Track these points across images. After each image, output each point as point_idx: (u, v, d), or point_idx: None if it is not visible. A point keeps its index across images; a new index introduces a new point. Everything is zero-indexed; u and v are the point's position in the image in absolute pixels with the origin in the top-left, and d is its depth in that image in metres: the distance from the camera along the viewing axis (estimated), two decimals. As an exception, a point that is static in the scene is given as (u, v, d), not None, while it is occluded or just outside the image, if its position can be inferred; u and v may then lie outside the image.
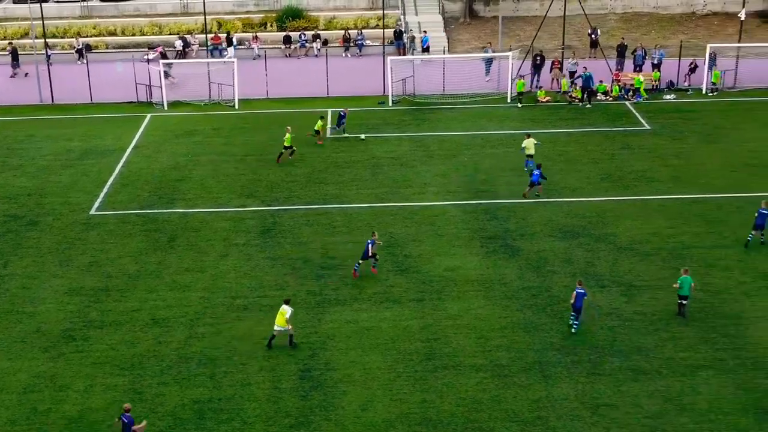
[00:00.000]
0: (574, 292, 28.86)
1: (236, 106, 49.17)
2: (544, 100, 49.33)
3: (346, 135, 44.44)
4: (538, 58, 51.39)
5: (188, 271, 32.50)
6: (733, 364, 26.80)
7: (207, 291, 31.25)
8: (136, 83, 50.08)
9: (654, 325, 28.82)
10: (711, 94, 49.34)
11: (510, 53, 49.89)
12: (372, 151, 42.90)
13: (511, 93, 49.23)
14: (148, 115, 48.33)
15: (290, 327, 27.98)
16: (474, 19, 61.91)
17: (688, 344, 27.82)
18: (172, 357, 27.66)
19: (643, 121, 46.30)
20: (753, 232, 33.67)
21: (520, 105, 48.46)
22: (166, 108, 49.10)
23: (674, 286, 29.51)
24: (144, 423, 23.94)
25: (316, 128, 43.85)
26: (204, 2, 55.36)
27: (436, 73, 50.82)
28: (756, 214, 33.49)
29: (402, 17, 59.78)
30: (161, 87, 49.29)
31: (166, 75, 50.41)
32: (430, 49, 56.28)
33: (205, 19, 55.91)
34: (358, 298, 30.60)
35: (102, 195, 38.81)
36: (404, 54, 56.84)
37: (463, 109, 48.36)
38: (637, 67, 52.45)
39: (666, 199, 37.38)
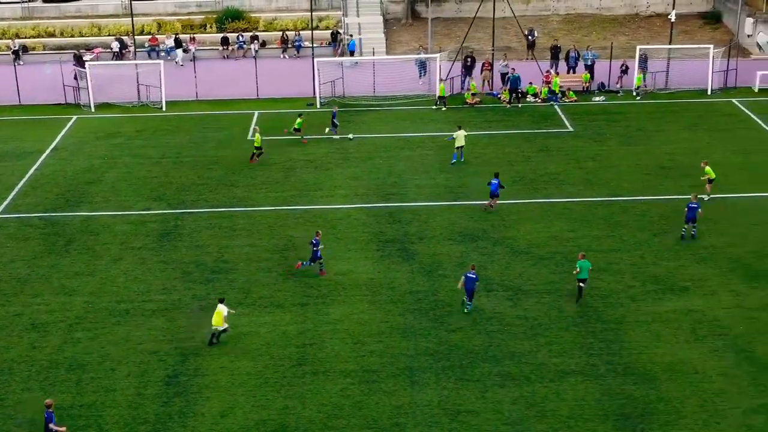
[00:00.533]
0: (463, 277, 29.33)
1: (163, 108, 48.94)
2: (473, 101, 49.17)
3: (335, 136, 44.40)
4: (469, 59, 51.22)
5: (78, 275, 32.26)
6: (604, 370, 26.61)
7: (93, 295, 31.01)
8: (63, 85, 49.87)
9: (533, 330, 28.63)
10: (637, 97, 49.21)
11: (437, 55, 49.70)
12: (290, 154, 42.68)
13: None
14: (74, 117, 48.04)
15: (227, 326, 28.10)
16: (416, 20, 61.72)
17: (562, 349, 27.65)
18: (43, 362, 27.42)
19: (567, 123, 46.12)
20: (686, 226, 33.91)
21: (444, 108, 48.28)
22: (93, 110, 48.89)
23: (574, 272, 30.12)
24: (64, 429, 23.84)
25: (296, 126, 43.70)
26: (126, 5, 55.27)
27: (366, 75, 50.67)
28: (686, 209, 33.70)
29: (343, 18, 59.68)
30: (88, 89, 49.09)
31: (79, 76, 50.35)
32: (363, 51, 56.21)
33: (133, 20, 55.60)
34: (243, 303, 30.37)
35: (9, 199, 38.57)
36: (340, 55, 56.83)
37: (389, 111, 48.14)
38: (570, 69, 52.33)
39: (572, 202, 37.15)
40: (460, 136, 41.13)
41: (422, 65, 52.14)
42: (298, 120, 43.94)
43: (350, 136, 44.30)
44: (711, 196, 36.70)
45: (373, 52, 55.61)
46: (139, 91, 49.99)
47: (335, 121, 44.51)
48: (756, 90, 50.00)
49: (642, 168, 40.41)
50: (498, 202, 36.31)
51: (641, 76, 49.50)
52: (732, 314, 29.28)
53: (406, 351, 27.66)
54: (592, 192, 37.92)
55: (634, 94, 49.30)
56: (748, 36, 56.19)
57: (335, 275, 31.96)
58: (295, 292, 30.99)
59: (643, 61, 50.41)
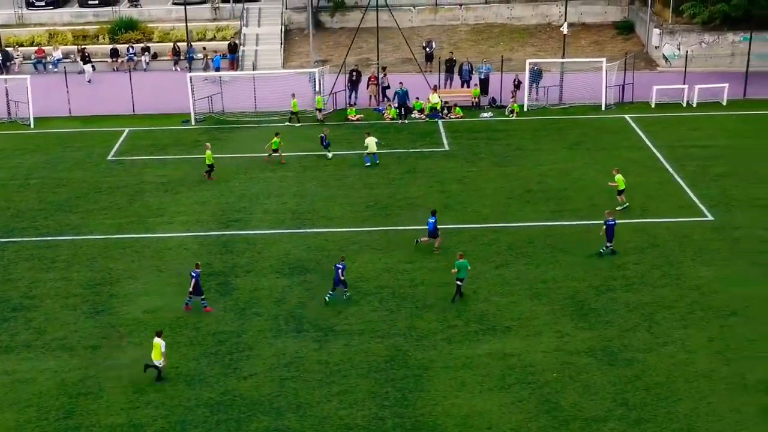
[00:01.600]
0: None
1: (32, 125, 46.81)
2: (355, 118, 47.08)
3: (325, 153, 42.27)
4: (354, 73, 49.15)
5: None
6: (390, 425, 24.49)
7: None
8: (-73, 102, 47.95)
9: (330, 377, 26.50)
10: (510, 115, 46.61)
11: (317, 69, 47.57)
12: (144, 175, 40.57)
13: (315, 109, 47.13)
14: (-64, 135, 46.18)
15: (163, 361, 26.37)
16: (320, 30, 59.63)
17: (354, 400, 25.54)
18: None
19: (445, 141, 44.02)
20: (608, 244, 32.67)
21: (297, 124, 45.91)
22: (-42, 127, 46.98)
23: (452, 271, 30.16)
24: None
25: (272, 146, 41.24)
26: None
27: (247, 90, 48.58)
28: (604, 226, 32.34)
29: (242, 29, 57.61)
30: (-48, 105, 47.12)
31: None
32: (259, 63, 54.34)
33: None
34: (32, 345, 28.23)
35: None
36: (237, 68, 54.77)
37: (266, 128, 46.10)
38: (464, 83, 50.31)
39: (422, 229, 35.10)
40: (371, 143, 40.58)
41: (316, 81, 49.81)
42: (275, 140, 41.33)
43: (329, 155, 41.90)
44: (622, 205, 35.70)
45: (254, 66, 53.65)
46: (8, 107, 47.94)
47: (325, 142, 42.01)
48: (653, 105, 48.13)
49: (507, 191, 38.32)
50: (432, 239, 33.46)
51: (515, 105, 47.03)
52: (549, 359, 27.19)
53: (186, 402, 25.56)
54: (447, 218, 35.65)
55: (507, 113, 46.89)
56: (656, 47, 54.23)
57: (142, 313, 29.84)
58: (91, 333, 28.82)
59: (536, 75, 48.45)
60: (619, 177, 36.12)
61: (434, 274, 31.97)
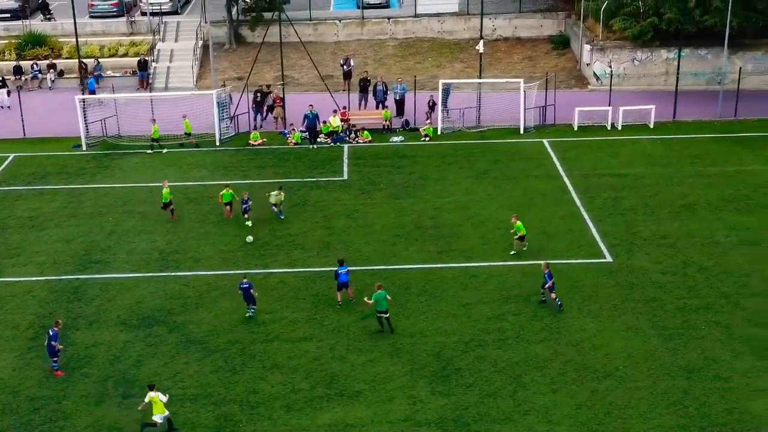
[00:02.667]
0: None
1: None
2: (257, 143, 44.31)
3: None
4: (259, 94, 46.32)
5: None
6: None
7: None
8: None
9: (145, 454, 23.94)
10: (424, 138, 43.79)
11: (214, 91, 44.71)
12: (14, 209, 37.65)
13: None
14: None
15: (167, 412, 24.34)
16: (240, 45, 56.84)
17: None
18: None
19: (345, 169, 41.10)
20: (551, 294, 29.59)
21: (163, 150, 43.15)
22: None
23: (369, 302, 28.56)
24: None
25: (224, 199, 36.16)
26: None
27: (144, 113, 45.72)
28: (545, 276, 29.47)
29: (156, 44, 54.80)
30: None
31: None
32: (170, 81, 51.71)
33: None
34: None
35: None
36: (146, 86, 51.99)
37: (161, 154, 43.35)
38: (379, 104, 47.52)
39: (290, 273, 32.26)
40: (272, 195, 36.08)
41: (224, 104, 46.82)
42: (225, 192, 36.10)
43: (249, 223, 35.56)
44: (520, 250, 32.80)
45: (165, 84, 51.01)
46: None
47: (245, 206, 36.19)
48: (575, 128, 45.37)
49: (396, 228, 35.46)
50: (350, 291, 30.49)
51: (428, 128, 44.27)
52: (393, 430, 24.57)
53: (-25, 485, 23.04)
54: (321, 261, 32.93)
55: (421, 137, 43.98)
56: (587, 65, 51.47)
57: (-40, 374, 27.25)
58: None
59: (445, 94, 45.59)
60: (518, 224, 32.87)
61: (294, 326, 29.20)
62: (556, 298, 29.64)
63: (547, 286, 29.68)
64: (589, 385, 26.10)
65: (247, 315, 29.55)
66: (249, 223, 35.63)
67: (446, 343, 28.11)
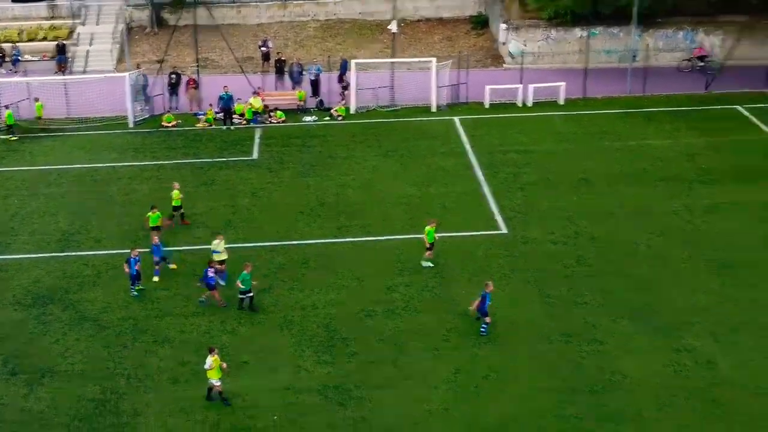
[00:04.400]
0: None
1: None
2: (171, 125, 44.49)
3: None
4: (174, 76, 46.49)
5: None
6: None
7: None
8: None
9: (28, 427, 23.97)
10: (338, 118, 44.47)
11: (127, 74, 44.79)
12: None
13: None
14: None
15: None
16: (162, 28, 56.84)
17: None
18: None
19: (255, 149, 41.45)
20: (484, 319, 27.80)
21: (13, 137, 42.99)
22: None
23: (239, 285, 28.75)
24: None
25: (151, 224, 33.05)
26: None
27: (58, 95, 45.72)
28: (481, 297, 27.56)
29: (78, 27, 54.62)
30: None
31: None
32: (89, 65, 51.62)
33: None
34: None
35: None
36: (64, 71, 51.86)
37: (71, 137, 43.25)
38: (295, 84, 47.93)
39: (190, 250, 32.58)
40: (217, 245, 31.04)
41: (143, 87, 46.89)
42: (152, 214, 32.96)
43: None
44: (426, 262, 31.35)
45: (84, 68, 50.95)
46: None
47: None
48: (487, 106, 46.15)
49: (300, 206, 35.91)
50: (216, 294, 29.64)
51: (341, 108, 44.65)
52: (275, 398, 24.78)
53: None
54: (226, 237, 33.40)
55: (334, 116, 44.64)
56: (503, 44, 52.24)
57: None
58: None
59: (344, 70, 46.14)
60: (429, 229, 30.84)
61: (188, 302, 29.64)
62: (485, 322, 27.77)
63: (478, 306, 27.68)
64: (470, 351, 26.90)
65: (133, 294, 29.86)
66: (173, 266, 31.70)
67: (336, 315, 28.72)
